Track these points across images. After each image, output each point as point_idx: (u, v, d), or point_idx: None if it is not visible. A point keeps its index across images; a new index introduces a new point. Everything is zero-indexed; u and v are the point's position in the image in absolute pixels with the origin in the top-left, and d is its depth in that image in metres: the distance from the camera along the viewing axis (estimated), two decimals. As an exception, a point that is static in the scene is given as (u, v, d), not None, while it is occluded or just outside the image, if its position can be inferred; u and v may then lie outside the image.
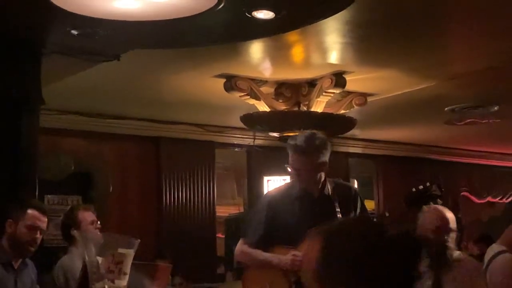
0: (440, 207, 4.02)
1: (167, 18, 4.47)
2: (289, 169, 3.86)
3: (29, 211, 3.92)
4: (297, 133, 6.75)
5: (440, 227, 3.90)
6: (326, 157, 3.77)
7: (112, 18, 4.45)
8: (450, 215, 3.97)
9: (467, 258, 4.13)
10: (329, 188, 3.86)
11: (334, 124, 7.19)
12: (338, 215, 3.73)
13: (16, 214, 3.93)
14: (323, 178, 3.84)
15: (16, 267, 3.94)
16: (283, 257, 3.73)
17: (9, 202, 4.36)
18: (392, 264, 1.52)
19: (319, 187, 3.83)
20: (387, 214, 3.81)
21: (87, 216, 4.42)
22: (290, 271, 3.70)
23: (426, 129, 9.41)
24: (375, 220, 1.47)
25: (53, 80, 5.78)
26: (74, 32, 4.70)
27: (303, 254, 1.66)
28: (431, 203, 3.86)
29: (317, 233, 1.59)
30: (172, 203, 8.65)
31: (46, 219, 3.97)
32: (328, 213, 3.71)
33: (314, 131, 3.88)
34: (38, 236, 3.91)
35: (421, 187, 3.86)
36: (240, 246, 3.94)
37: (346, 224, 1.65)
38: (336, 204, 3.78)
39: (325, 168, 3.80)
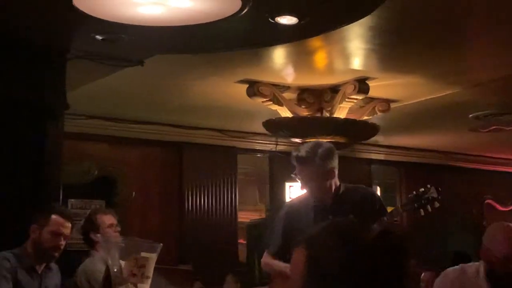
0: None
1: (191, 24, 4.48)
2: (297, 179, 3.88)
3: (53, 217, 3.93)
4: (319, 139, 6.81)
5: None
6: (331, 165, 3.76)
7: (136, 24, 4.47)
8: None
9: None
10: (343, 194, 3.84)
11: (356, 130, 7.17)
12: None
13: (41, 219, 3.95)
14: (335, 186, 3.83)
15: (40, 272, 3.96)
16: None
17: (34, 207, 4.40)
18: (374, 266, 1.51)
19: (332, 194, 3.82)
20: (385, 219, 3.71)
21: (106, 219, 4.43)
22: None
23: (450, 136, 9.33)
24: (352, 224, 1.46)
25: (77, 85, 5.82)
26: (99, 37, 4.74)
27: (290, 265, 1.64)
28: (428, 206, 3.75)
29: (300, 242, 1.58)
30: (194, 209, 8.66)
31: (70, 225, 3.98)
32: None
33: (319, 140, 3.89)
34: (62, 242, 3.93)
35: (422, 189, 3.79)
36: (264, 257, 4.01)
37: (326, 231, 1.61)
38: (350, 210, 3.77)
39: (332, 176, 3.79)
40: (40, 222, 3.93)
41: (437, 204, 3.72)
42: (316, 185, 3.79)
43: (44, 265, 3.98)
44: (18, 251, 3.93)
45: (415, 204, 3.71)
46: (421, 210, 3.73)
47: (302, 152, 3.75)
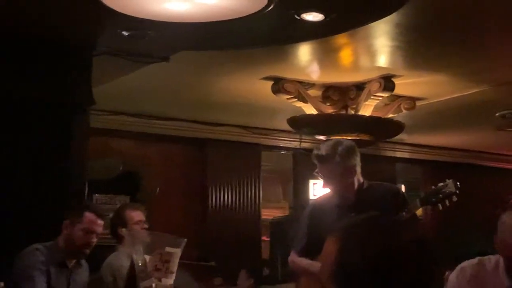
0: None
1: (216, 20, 4.49)
2: (319, 178, 3.90)
3: (86, 214, 3.97)
4: (344, 137, 6.79)
5: None
6: (352, 163, 3.77)
7: (162, 20, 4.49)
8: None
9: None
10: (367, 191, 3.83)
11: (381, 128, 7.14)
12: None
13: (74, 216, 3.99)
14: (358, 183, 3.82)
15: (69, 267, 3.99)
16: (317, 264, 3.75)
17: (60, 202, 4.43)
18: (403, 267, 1.50)
19: (355, 191, 3.81)
20: (404, 214, 3.68)
21: (135, 215, 4.45)
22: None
23: (476, 134, 9.25)
24: (390, 220, 1.46)
25: (103, 81, 5.85)
26: (125, 33, 4.76)
27: (322, 254, 1.65)
28: (446, 201, 3.72)
29: (334, 232, 1.60)
30: (217, 205, 8.68)
31: (102, 223, 4.01)
32: None
33: (339, 138, 3.90)
34: (94, 239, 3.96)
35: (440, 184, 3.76)
36: (290, 255, 4.03)
37: (360, 223, 1.62)
38: (374, 207, 3.75)
39: (353, 173, 3.79)
40: (73, 219, 3.96)
41: (455, 199, 3.71)
42: (337, 183, 3.80)
43: (74, 261, 4.01)
44: (50, 245, 3.96)
45: (433, 199, 3.70)
46: (439, 205, 3.72)
47: (322, 150, 3.77)
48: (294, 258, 3.98)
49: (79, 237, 3.92)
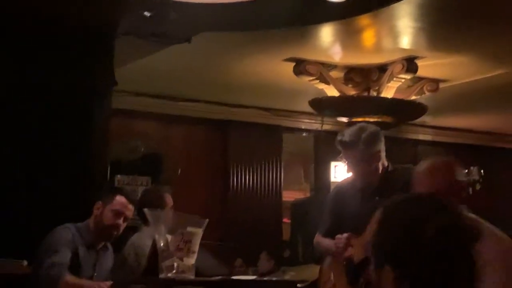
0: None
1: (239, 1, 4.47)
2: (343, 163, 3.91)
3: (118, 197, 4.01)
4: (366, 119, 6.76)
5: None
6: (376, 149, 3.75)
7: (184, 0, 4.48)
8: None
9: None
10: (391, 175, 3.82)
11: (404, 110, 7.10)
12: None
13: (106, 197, 4.04)
14: (382, 167, 3.81)
15: (97, 249, 4.04)
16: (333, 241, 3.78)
17: (82, 183, 4.46)
18: (442, 250, 1.49)
19: (380, 175, 3.80)
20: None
21: (169, 200, 4.53)
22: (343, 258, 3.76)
23: (500, 117, 9.16)
24: (438, 199, 1.48)
25: (125, 63, 5.87)
26: (147, 14, 4.75)
27: (368, 227, 1.68)
28: (470, 189, 3.67)
29: (380, 207, 1.61)
30: (238, 187, 8.69)
31: (132, 208, 4.06)
32: None
33: (364, 124, 3.90)
34: (122, 222, 4.00)
35: (464, 171, 3.70)
36: (316, 237, 4.06)
37: (407, 200, 1.63)
38: (398, 190, 3.74)
39: (378, 159, 3.77)
40: (104, 200, 4.01)
41: (478, 187, 3.67)
42: (362, 169, 3.79)
43: (102, 244, 4.05)
44: (81, 225, 4.01)
45: None
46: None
47: (346, 136, 3.75)
48: (319, 239, 4.01)
49: (108, 218, 3.96)
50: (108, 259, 4.13)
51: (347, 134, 3.77)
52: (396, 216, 1.55)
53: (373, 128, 3.86)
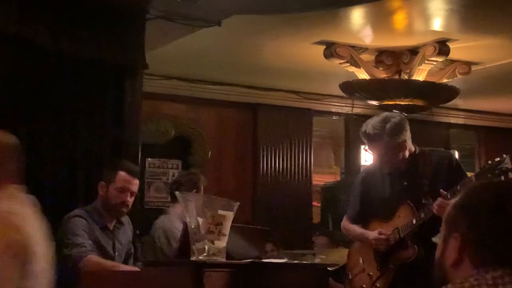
0: None
1: (269, -16, 4.46)
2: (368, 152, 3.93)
3: (120, 173, 3.95)
4: (397, 102, 6.71)
5: None
6: (401, 139, 3.73)
7: (214, -16, 4.48)
8: None
9: None
10: (418, 158, 3.80)
11: (435, 94, 7.04)
12: (425, 186, 3.69)
13: (108, 176, 3.99)
14: (409, 152, 3.80)
15: (111, 228, 4.00)
16: (371, 234, 3.78)
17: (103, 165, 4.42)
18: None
19: (407, 160, 3.78)
20: (458, 188, 3.61)
21: (202, 184, 4.57)
22: (376, 250, 3.77)
23: (533, 100, 9.05)
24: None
25: (155, 46, 5.88)
26: (177, -3, 4.76)
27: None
28: (502, 177, 3.60)
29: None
30: (268, 170, 8.70)
31: (137, 182, 3.99)
32: (416, 185, 3.76)
33: (388, 114, 3.90)
34: (129, 198, 3.94)
35: (496, 159, 3.64)
36: (343, 222, 4.08)
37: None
38: (426, 173, 3.74)
39: (403, 148, 3.76)
40: (107, 179, 3.97)
41: (511, 175, 3.61)
42: (387, 159, 3.80)
43: (114, 221, 4.01)
44: (90, 208, 3.98)
45: (489, 175, 3.61)
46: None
47: (370, 129, 3.74)
48: (347, 225, 4.03)
49: (114, 196, 3.91)
50: (126, 234, 4.08)
51: (370, 126, 3.74)
52: (478, 194, 1.60)
53: (397, 118, 3.82)
